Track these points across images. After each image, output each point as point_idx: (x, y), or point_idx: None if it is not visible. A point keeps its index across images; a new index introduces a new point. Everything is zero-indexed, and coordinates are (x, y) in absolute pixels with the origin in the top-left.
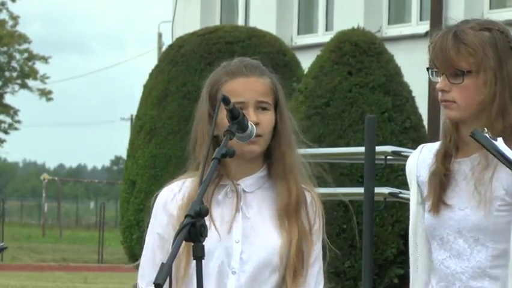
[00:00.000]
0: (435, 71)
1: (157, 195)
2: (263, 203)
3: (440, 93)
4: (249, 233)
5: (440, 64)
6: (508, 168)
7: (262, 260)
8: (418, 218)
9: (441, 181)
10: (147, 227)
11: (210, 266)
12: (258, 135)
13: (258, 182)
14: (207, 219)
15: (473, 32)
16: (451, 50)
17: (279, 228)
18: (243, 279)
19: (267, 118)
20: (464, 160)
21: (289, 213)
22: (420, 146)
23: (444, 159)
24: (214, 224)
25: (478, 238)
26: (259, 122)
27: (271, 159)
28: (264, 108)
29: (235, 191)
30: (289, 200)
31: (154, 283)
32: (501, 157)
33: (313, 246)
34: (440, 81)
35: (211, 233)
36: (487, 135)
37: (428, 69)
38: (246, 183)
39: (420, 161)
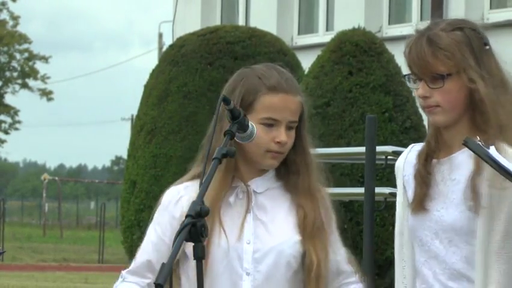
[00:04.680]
0: (413, 78)
1: (165, 192)
2: (275, 202)
3: (421, 100)
4: (260, 232)
5: (418, 70)
6: (484, 172)
7: (277, 259)
8: (404, 218)
9: (421, 182)
10: (151, 221)
11: (220, 269)
12: (280, 152)
13: (269, 182)
14: (216, 224)
15: (446, 33)
16: (428, 56)
17: (301, 238)
18: (259, 280)
19: (291, 136)
20: (443, 161)
21: (314, 229)
22: (410, 146)
23: (426, 160)
24: (223, 228)
25: (452, 239)
26: (287, 141)
27: (291, 169)
28: (291, 128)
29: (246, 192)
30: (315, 218)
31: (154, 283)
32: (495, 165)
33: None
34: (420, 87)
35: (221, 237)
36: (479, 143)
37: (405, 76)
38: (257, 183)
39: (408, 160)
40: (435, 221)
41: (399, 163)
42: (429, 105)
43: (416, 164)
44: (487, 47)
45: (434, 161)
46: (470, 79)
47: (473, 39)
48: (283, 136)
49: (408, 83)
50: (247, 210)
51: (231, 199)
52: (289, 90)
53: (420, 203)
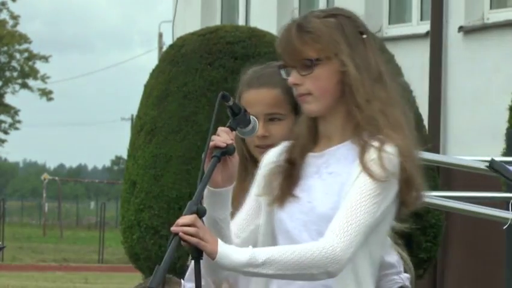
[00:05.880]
0: (287, 69)
1: None
2: None
3: (294, 89)
4: None
5: (288, 58)
6: (357, 165)
7: None
8: (265, 213)
9: (287, 174)
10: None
11: None
12: (269, 145)
13: None
14: None
15: (318, 19)
16: (296, 41)
17: None
18: None
19: (278, 129)
20: (319, 154)
21: None
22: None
23: (293, 153)
24: None
25: (321, 231)
26: (268, 134)
27: None
28: (276, 119)
29: None
30: None
31: (148, 287)
32: None
33: None
34: (291, 75)
35: None
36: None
37: (279, 68)
38: None
39: (274, 154)
40: (305, 212)
41: (268, 157)
42: (301, 93)
43: (280, 158)
44: (364, 36)
45: (309, 154)
46: (341, 63)
47: (347, 25)
48: (260, 129)
49: (284, 76)
50: None
51: None
52: (262, 85)
53: (286, 194)
